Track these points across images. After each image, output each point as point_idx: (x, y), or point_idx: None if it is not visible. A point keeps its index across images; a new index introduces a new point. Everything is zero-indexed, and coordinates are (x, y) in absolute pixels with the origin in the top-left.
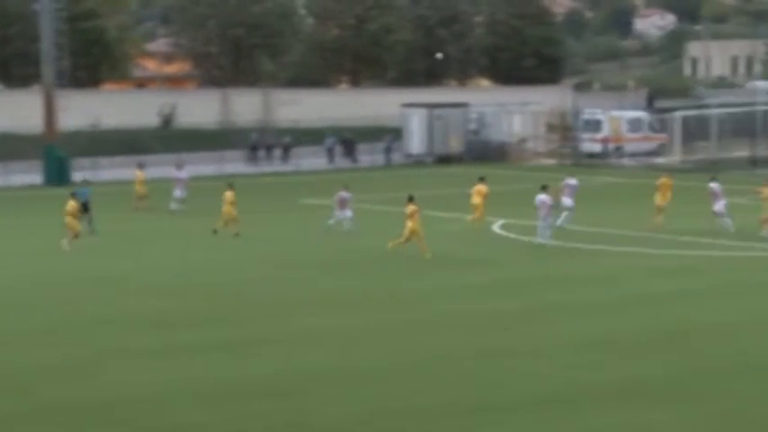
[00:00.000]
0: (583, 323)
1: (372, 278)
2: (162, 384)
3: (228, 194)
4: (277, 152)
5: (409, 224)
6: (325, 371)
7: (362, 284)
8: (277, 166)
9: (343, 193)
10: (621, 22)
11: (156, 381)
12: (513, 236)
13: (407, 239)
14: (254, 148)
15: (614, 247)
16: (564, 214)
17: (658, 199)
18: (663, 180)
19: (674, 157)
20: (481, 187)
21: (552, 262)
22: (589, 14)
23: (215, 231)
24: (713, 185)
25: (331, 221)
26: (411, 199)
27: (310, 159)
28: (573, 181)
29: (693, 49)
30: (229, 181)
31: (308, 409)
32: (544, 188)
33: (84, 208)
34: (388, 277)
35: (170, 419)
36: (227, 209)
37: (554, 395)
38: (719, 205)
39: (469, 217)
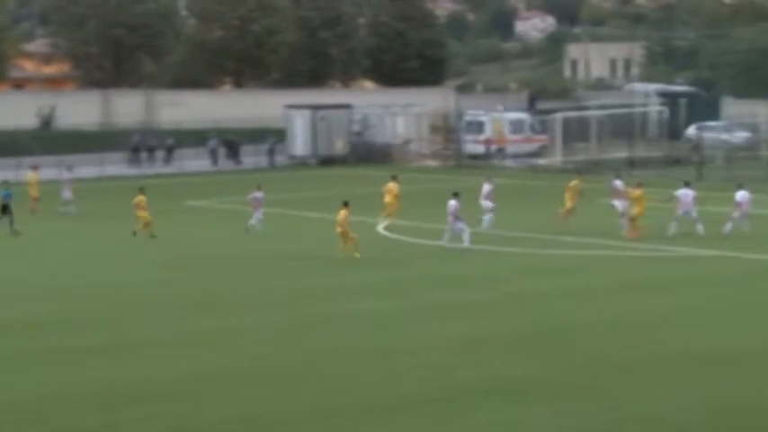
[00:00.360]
0: (463, 323)
1: (256, 279)
2: (41, 389)
3: (140, 198)
4: (159, 154)
5: (338, 230)
6: (207, 374)
7: (246, 286)
8: (160, 168)
9: (258, 194)
10: (503, 24)
11: (33, 386)
12: (395, 237)
13: (346, 241)
14: (135, 150)
15: (497, 248)
16: (486, 217)
17: (568, 201)
18: (574, 182)
19: (556, 158)
20: (392, 186)
21: (434, 262)
22: (471, 17)
23: (134, 233)
24: (617, 183)
25: (251, 222)
26: (346, 204)
27: (193, 161)
28: (489, 185)
29: (573, 51)
30: (140, 185)
31: (190, 412)
32: (455, 195)
33: (5, 209)
34: (273, 279)
35: (49, 425)
36: (140, 213)
37: (435, 394)
38: (621, 204)
39: (383, 214)
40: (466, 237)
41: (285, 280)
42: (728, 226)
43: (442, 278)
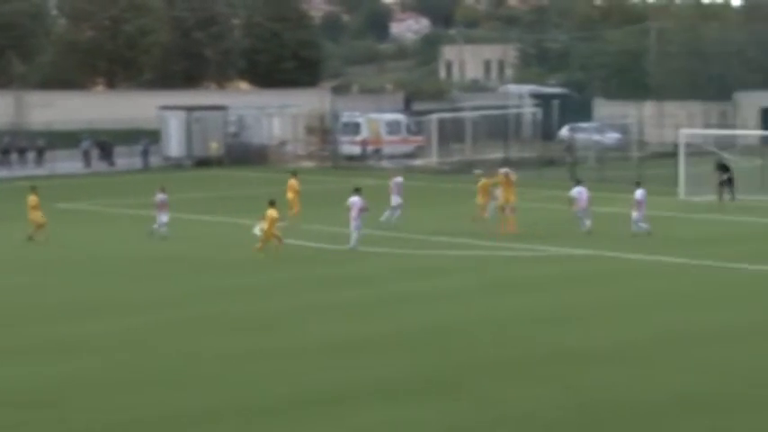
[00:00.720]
0: (343, 324)
1: (129, 282)
2: None
3: (32, 198)
4: (30, 155)
5: (264, 226)
6: (85, 379)
7: (117, 288)
8: (31, 170)
9: (161, 196)
10: (378, 25)
11: None
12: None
13: (270, 240)
14: (5, 152)
15: (372, 248)
16: (388, 212)
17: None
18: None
19: (432, 159)
20: (293, 182)
21: (312, 263)
22: (346, 18)
23: (30, 238)
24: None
25: (155, 226)
26: (272, 203)
27: (66, 163)
28: (399, 179)
29: (448, 52)
30: (32, 184)
31: (60, 418)
32: (357, 190)
33: None
34: (153, 281)
35: None
36: (32, 214)
37: (317, 396)
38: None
39: (290, 213)
40: (354, 238)
41: (166, 282)
42: (638, 226)
43: (322, 279)
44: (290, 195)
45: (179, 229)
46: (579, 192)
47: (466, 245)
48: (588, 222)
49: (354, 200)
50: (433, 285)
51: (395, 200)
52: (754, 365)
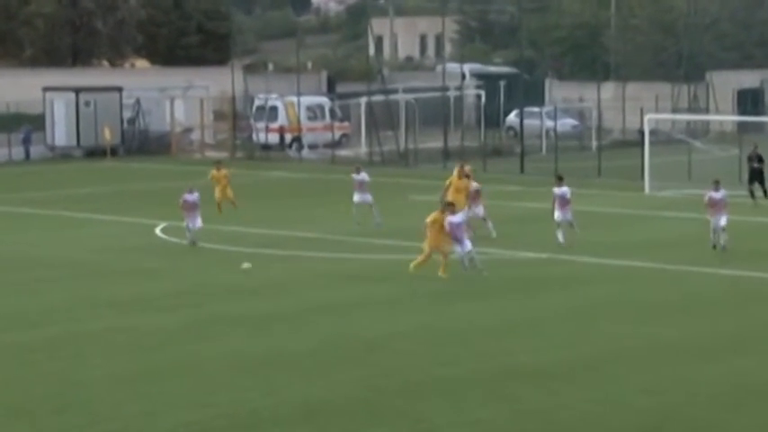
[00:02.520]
0: (255, 338)
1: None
2: None
3: None
4: None
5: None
6: None
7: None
8: None
9: (190, 196)
10: None
11: None
12: (176, 240)
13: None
14: None
15: (290, 252)
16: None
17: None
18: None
19: (360, 149)
20: (219, 174)
21: (220, 269)
22: None
23: None
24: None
25: (188, 233)
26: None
27: None
28: (360, 176)
29: (377, 26)
30: None
31: None
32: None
33: None
34: (11, 289)
35: None
36: None
37: (226, 421)
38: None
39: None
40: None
41: (41, 291)
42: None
43: (231, 287)
44: (217, 194)
45: (66, 229)
46: (563, 193)
47: (399, 247)
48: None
49: None
50: (360, 294)
51: (359, 198)
52: (721, 384)
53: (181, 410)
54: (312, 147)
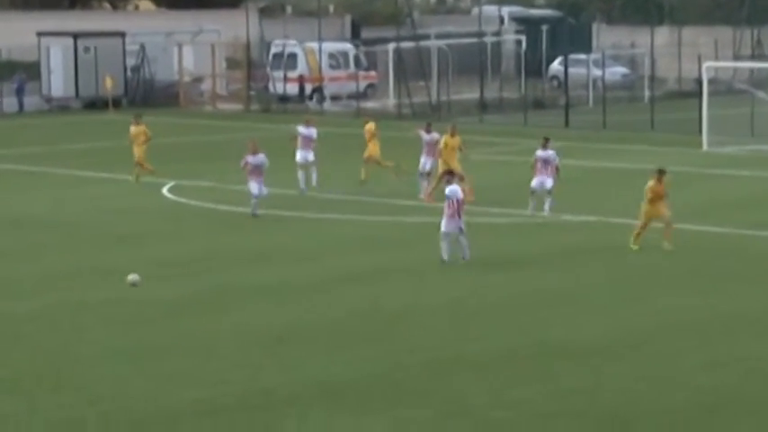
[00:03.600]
0: (267, 311)
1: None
2: None
3: None
4: None
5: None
6: None
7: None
8: None
9: (254, 158)
10: None
11: None
12: (184, 200)
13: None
14: None
15: (315, 214)
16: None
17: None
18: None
19: (387, 101)
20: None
21: (237, 233)
22: None
23: None
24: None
25: (253, 201)
26: None
27: None
28: (309, 131)
29: None
30: None
31: None
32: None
33: None
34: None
35: None
36: None
37: (239, 401)
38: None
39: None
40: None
41: (37, 259)
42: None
43: (244, 254)
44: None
45: (63, 188)
46: (547, 156)
47: (429, 209)
48: (547, 205)
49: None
50: (385, 261)
51: (303, 156)
52: None
53: (188, 388)
54: (335, 98)
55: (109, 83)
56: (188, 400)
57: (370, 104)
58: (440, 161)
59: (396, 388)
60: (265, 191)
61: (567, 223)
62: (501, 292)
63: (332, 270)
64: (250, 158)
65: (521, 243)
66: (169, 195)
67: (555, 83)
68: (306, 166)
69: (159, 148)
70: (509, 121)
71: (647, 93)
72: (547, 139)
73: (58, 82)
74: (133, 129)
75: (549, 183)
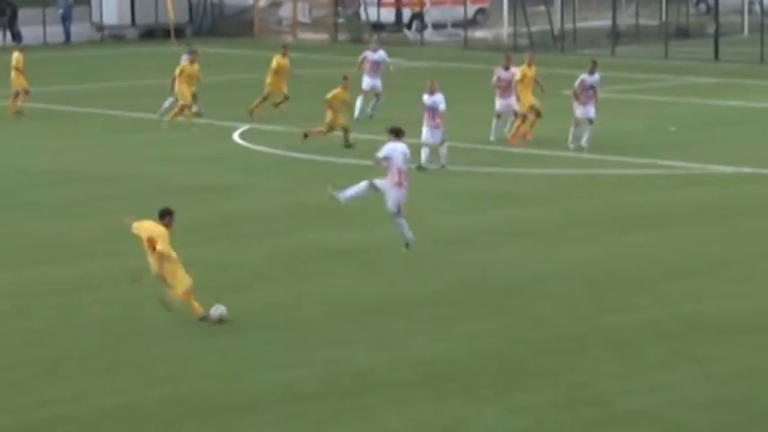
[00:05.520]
0: (358, 279)
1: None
2: None
3: None
4: None
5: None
6: None
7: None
8: None
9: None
10: None
11: None
12: (259, 148)
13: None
14: None
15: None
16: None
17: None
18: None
19: (501, 30)
20: (280, 62)
21: (312, 188)
22: None
23: None
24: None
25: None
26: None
27: None
28: (377, 55)
29: None
30: None
31: None
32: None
33: None
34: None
35: None
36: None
37: (326, 385)
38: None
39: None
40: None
41: (89, 215)
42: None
43: (329, 211)
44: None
45: (118, 132)
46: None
47: (551, 159)
48: (586, 136)
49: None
50: (500, 220)
51: (369, 83)
52: None
53: (265, 370)
54: (438, 26)
55: (170, 8)
56: (267, 384)
57: (480, 34)
58: (519, 96)
59: (514, 369)
60: (438, 137)
61: (719, 175)
62: (640, 255)
63: (432, 231)
64: (427, 98)
65: (661, 198)
66: (240, 141)
67: (702, 7)
68: (370, 93)
69: (230, 85)
70: (647, 53)
71: None
72: (595, 63)
73: (110, 7)
74: (188, 66)
75: (592, 112)
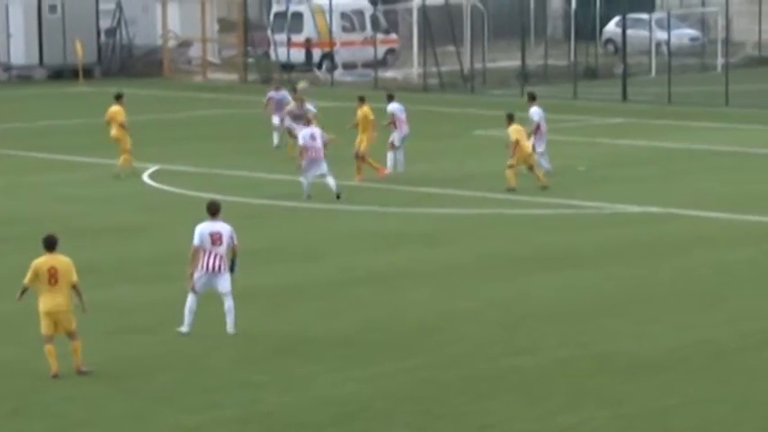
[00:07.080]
0: (265, 320)
1: None
2: None
3: None
4: None
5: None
6: None
7: None
8: None
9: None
10: None
11: None
12: (168, 188)
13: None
14: None
15: (319, 205)
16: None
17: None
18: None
19: (411, 69)
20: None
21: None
22: None
23: None
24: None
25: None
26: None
27: None
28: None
29: None
30: None
31: None
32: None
33: None
34: None
35: None
36: None
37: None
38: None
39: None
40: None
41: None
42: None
43: (240, 252)
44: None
45: (23, 173)
46: (537, 114)
47: (462, 199)
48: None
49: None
50: (410, 260)
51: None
52: None
53: (174, 413)
54: (348, 66)
55: (79, 48)
56: (175, 428)
57: (390, 74)
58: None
59: (424, 411)
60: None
61: (628, 214)
62: (551, 296)
63: (343, 271)
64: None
65: (571, 238)
66: (150, 182)
67: (611, 48)
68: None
69: (139, 125)
70: (556, 93)
71: (720, 60)
72: (533, 96)
73: (18, 47)
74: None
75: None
